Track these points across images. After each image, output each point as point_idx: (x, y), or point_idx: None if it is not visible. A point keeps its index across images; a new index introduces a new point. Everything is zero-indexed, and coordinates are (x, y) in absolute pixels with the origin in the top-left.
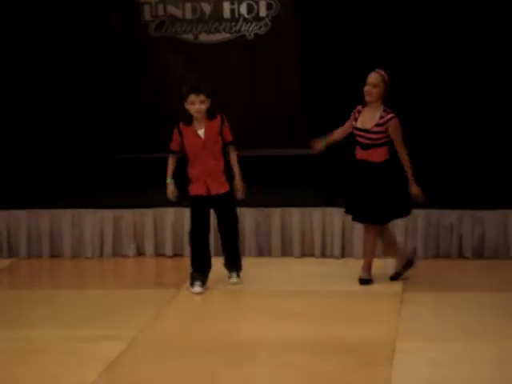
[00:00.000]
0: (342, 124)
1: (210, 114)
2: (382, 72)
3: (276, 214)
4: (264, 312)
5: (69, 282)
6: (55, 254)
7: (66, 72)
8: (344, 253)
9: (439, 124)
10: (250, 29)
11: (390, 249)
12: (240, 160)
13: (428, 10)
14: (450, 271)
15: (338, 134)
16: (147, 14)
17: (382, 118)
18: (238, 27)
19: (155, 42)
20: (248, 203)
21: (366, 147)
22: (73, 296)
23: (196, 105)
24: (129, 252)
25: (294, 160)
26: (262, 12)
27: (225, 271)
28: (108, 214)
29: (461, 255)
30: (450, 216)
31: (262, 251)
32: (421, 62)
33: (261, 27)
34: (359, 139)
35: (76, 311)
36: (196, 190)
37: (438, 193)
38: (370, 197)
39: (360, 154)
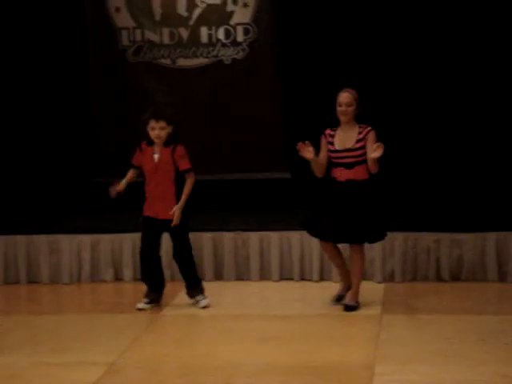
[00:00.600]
0: (317, 148)
1: (168, 141)
2: (353, 91)
3: (254, 237)
4: (242, 336)
5: (46, 307)
6: (33, 280)
7: (44, 96)
8: (323, 276)
9: (418, 145)
10: (228, 53)
11: (341, 271)
12: (217, 183)
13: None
14: (427, 294)
15: (323, 158)
16: (125, 39)
17: (360, 133)
18: (215, 52)
19: (133, 66)
20: (226, 227)
21: (350, 166)
22: (50, 321)
23: (155, 131)
24: (107, 277)
25: (271, 183)
26: (240, 37)
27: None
28: (86, 239)
29: (438, 278)
30: (428, 238)
31: (241, 275)
32: (394, 84)
33: (238, 52)
34: (342, 160)
35: (54, 337)
36: (146, 210)
37: (416, 215)
38: (359, 215)
39: (345, 174)
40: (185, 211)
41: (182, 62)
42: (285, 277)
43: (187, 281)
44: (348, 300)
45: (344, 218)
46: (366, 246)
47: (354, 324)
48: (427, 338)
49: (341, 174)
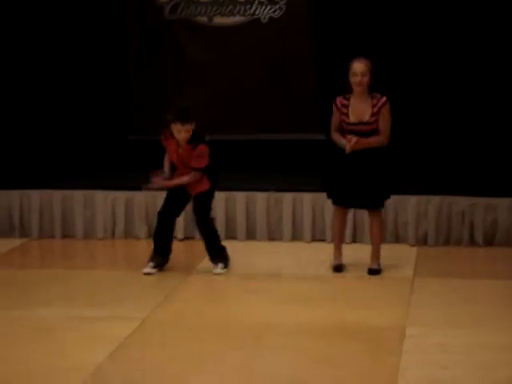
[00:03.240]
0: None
1: (191, 139)
2: (367, 61)
3: (287, 198)
4: (274, 296)
5: (80, 262)
6: (67, 235)
7: (81, 54)
8: (355, 238)
9: (454, 112)
10: (265, 12)
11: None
12: (251, 144)
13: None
14: (460, 258)
15: (338, 129)
16: None
17: (374, 106)
18: (252, 10)
19: (170, 24)
20: (259, 187)
21: (365, 136)
22: (84, 276)
23: (181, 134)
24: (140, 234)
25: (306, 144)
26: None
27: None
28: (120, 196)
29: (472, 242)
30: (463, 202)
31: (273, 235)
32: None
33: (275, 11)
34: (357, 131)
35: (87, 292)
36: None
37: (450, 180)
38: (375, 182)
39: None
40: (212, 185)
41: (219, 20)
42: (317, 238)
43: (209, 250)
44: (371, 264)
45: (360, 185)
46: (391, 206)
47: (386, 286)
48: (458, 301)
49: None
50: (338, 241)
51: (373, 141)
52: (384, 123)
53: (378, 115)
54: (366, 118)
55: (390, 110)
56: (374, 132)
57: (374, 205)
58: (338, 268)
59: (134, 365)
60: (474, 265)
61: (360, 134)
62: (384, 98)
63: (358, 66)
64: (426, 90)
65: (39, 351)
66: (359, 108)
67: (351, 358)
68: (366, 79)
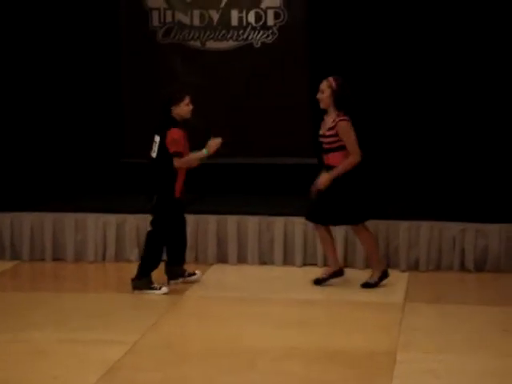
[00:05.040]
0: None
1: None
2: (331, 79)
3: (279, 222)
4: (265, 320)
5: (71, 285)
6: (58, 257)
7: (74, 76)
8: (346, 262)
9: (444, 136)
10: (258, 37)
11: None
12: (244, 167)
13: (430, 13)
14: (451, 284)
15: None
16: (155, 20)
17: (333, 121)
18: (245, 35)
19: (163, 48)
20: (251, 211)
21: (326, 152)
22: (75, 299)
23: (190, 105)
24: (131, 257)
25: (298, 169)
26: (270, 21)
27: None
28: (111, 219)
29: (463, 268)
30: (453, 228)
31: (265, 259)
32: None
33: (268, 36)
34: (320, 143)
35: (78, 314)
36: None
37: (441, 205)
38: (332, 200)
39: (325, 159)
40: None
41: (212, 45)
42: (308, 262)
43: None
44: (369, 278)
45: (321, 202)
46: (382, 231)
47: (377, 311)
48: (450, 327)
49: (324, 159)
50: (327, 256)
51: (341, 168)
52: (347, 142)
53: (334, 130)
54: (324, 130)
55: (351, 129)
56: (333, 149)
57: (343, 221)
58: (316, 281)
59: None
60: (465, 290)
61: (323, 150)
62: (342, 117)
63: (321, 84)
64: (417, 115)
65: (30, 374)
66: (325, 122)
67: (342, 383)
68: (322, 96)
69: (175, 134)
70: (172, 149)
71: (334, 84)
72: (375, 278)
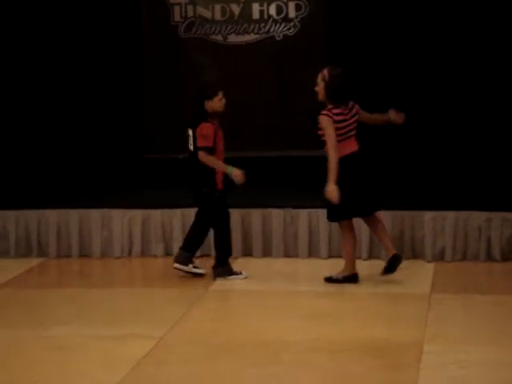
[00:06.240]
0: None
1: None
2: (325, 71)
3: (303, 215)
4: (290, 313)
5: (97, 281)
6: (84, 254)
7: (97, 72)
8: (371, 254)
9: (470, 126)
10: (279, 30)
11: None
12: (264, 160)
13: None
14: (478, 274)
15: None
16: (177, 14)
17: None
18: (266, 28)
19: (185, 42)
20: (275, 204)
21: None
22: (101, 295)
23: (223, 100)
24: (157, 252)
25: (322, 161)
26: (291, 13)
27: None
28: (137, 214)
29: (489, 257)
30: (479, 218)
31: (289, 252)
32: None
33: (290, 28)
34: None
35: (104, 310)
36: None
37: (467, 194)
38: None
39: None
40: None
41: (233, 38)
42: (333, 254)
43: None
44: (337, 272)
45: (352, 197)
46: (408, 222)
47: (403, 302)
48: (476, 317)
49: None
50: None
51: (331, 170)
52: (325, 137)
53: (319, 125)
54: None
55: (329, 123)
56: (324, 142)
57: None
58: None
59: None
60: (492, 280)
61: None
62: (326, 111)
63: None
64: (441, 106)
65: (57, 371)
66: None
67: (368, 374)
68: (319, 88)
69: (205, 130)
70: (200, 143)
71: (326, 76)
72: (340, 276)
